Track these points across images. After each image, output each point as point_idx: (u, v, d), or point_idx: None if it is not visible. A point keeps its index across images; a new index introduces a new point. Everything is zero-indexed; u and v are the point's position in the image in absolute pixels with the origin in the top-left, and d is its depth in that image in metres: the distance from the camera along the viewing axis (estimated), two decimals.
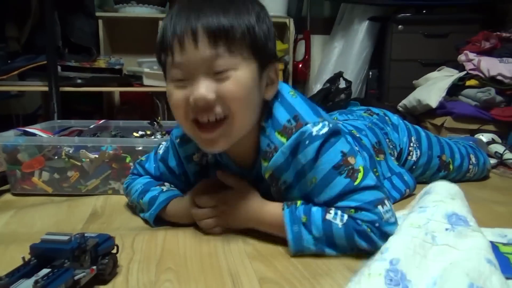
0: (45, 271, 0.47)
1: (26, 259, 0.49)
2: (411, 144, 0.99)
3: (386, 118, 1.01)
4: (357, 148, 0.78)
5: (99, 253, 0.53)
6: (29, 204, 0.89)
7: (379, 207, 0.59)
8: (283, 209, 0.63)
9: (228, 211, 0.69)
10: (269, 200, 0.69)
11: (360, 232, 0.59)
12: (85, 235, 0.53)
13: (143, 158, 0.84)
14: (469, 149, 1.08)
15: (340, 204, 0.61)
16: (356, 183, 0.60)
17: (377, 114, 1.01)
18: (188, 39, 0.57)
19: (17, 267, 0.48)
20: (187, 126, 0.63)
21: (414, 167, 0.99)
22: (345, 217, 0.60)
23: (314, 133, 0.61)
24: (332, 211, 0.61)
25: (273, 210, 0.65)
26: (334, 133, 0.63)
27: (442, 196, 0.56)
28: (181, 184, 0.79)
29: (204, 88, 0.57)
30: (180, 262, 0.60)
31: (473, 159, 1.07)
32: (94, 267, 0.51)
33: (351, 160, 0.62)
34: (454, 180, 1.04)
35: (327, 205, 0.62)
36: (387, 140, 0.94)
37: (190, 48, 0.57)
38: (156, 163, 0.80)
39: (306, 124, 0.61)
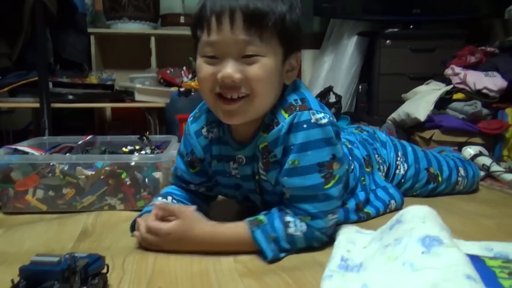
0: None
1: (15, 281, 0.49)
2: (398, 159, 1.02)
3: (375, 135, 1.05)
4: (350, 158, 0.86)
5: (89, 274, 0.52)
6: (19, 223, 0.88)
7: (329, 215, 0.69)
8: (252, 231, 0.67)
9: (178, 237, 0.68)
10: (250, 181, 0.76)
11: (315, 238, 0.69)
12: (75, 255, 0.52)
13: None
14: (457, 162, 1.10)
15: (301, 206, 0.67)
16: (325, 186, 0.67)
17: (367, 131, 1.06)
18: (226, 19, 0.61)
19: None
20: (210, 98, 0.67)
21: (402, 180, 1.02)
22: (303, 226, 0.68)
23: (313, 120, 0.66)
24: (292, 223, 0.67)
25: (232, 229, 0.69)
26: (337, 135, 0.69)
27: (413, 223, 0.58)
28: (187, 171, 0.80)
29: (233, 68, 0.62)
30: (170, 282, 0.60)
31: (462, 172, 1.09)
32: None
33: (335, 166, 0.68)
34: (444, 193, 1.07)
35: (291, 196, 0.69)
36: (376, 155, 0.98)
37: (226, 29, 0.62)
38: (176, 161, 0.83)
39: (310, 109, 0.66)
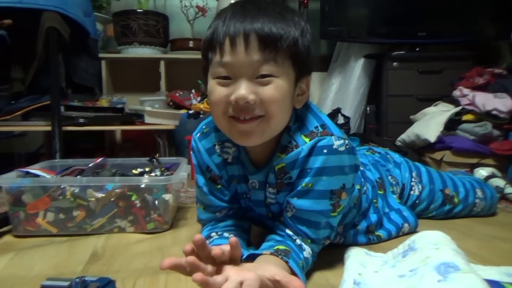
0: None
1: None
2: (413, 179, 1.01)
3: (388, 156, 1.04)
4: (363, 180, 0.86)
5: None
6: (29, 246, 0.88)
7: (325, 241, 0.71)
8: (286, 261, 0.61)
9: None
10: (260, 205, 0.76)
11: (313, 262, 0.70)
12: (86, 279, 0.52)
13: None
14: (474, 183, 1.08)
15: (302, 228, 0.68)
16: (331, 214, 0.69)
17: (379, 153, 1.05)
18: (240, 41, 0.61)
19: None
20: (223, 121, 0.66)
21: (417, 201, 1.01)
22: (308, 249, 0.68)
23: (334, 146, 0.66)
24: (303, 247, 0.67)
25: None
26: (356, 167, 0.70)
27: (427, 250, 0.58)
28: (213, 189, 0.76)
29: (247, 90, 0.61)
30: None
31: (480, 193, 1.06)
32: None
33: (343, 195, 0.68)
34: (461, 215, 1.05)
35: (295, 216, 0.68)
36: (389, 177, 0.97)
37: (240, 50, 0.61)
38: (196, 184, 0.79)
39: (332, 135, 0.67)
